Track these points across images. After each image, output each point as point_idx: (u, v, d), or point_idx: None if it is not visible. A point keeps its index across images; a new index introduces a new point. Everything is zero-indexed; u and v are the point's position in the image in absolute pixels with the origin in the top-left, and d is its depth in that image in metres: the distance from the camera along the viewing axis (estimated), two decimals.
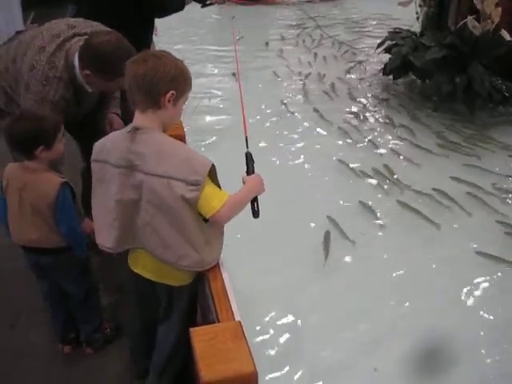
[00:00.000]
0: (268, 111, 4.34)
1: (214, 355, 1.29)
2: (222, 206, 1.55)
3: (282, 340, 2.14)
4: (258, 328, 2.17)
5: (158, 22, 3.37)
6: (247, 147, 1.78)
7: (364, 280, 2.45)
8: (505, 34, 3.92)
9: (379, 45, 4.98)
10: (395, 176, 3.31)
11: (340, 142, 3.81)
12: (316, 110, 4.30)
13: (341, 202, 3.07)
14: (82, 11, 2.76)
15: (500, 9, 3.90)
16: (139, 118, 1.58)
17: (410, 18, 5.04)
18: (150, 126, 1.57)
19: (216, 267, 1.68)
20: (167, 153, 1.55)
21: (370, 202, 3.03)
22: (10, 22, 6.15)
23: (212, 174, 1.56)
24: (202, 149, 3.55)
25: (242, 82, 2.24)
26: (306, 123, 4.12)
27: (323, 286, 2.41)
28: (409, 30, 4.87)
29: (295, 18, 7.79)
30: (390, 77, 4.80)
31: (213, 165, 1.55)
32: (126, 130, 1.59)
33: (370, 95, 4.71)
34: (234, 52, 2.78)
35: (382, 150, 3.65)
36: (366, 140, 3.81)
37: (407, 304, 2.33)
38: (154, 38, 3.62)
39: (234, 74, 4.93)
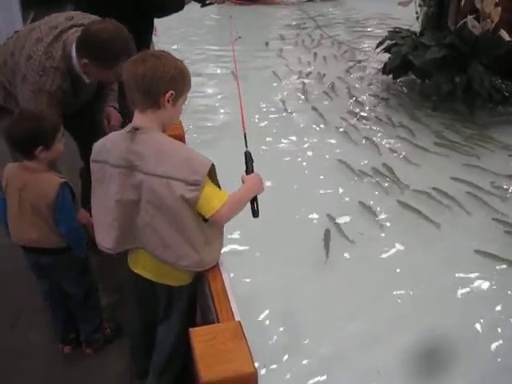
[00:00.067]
0: (267, 110, 4.34)
1: (213, 355, 1.29)
2: (221, 206, 1.54)
3: (280, 338, 2.14)
4: (257, 326, 2.17)
5: (157, 21, 3.37)
6: (246, 146, 1.78)
7: (364, 279, 2.45)
8: (504, 34, 3.92)
9: (379, 44, 4.98)
10: (395, 175, 3.31)
11: (339, 142, 3.81)
12: (315, 110, 4.30)
13: (340, 202, 3.07)
14: (80, 9, 2.76)
15: (499, 8, 3.90)
16: (138, 118, 1.58)
17: (410, 18, 5.03)
18: (149, 126, 1.57)
19: (216, 267, 1.68)
20: (167, 153, 1.55)
21: (369, 202, 3.03)
22: (10, 22, 6.14)
23: (212, 174, 1.56)
24: (201, 149, 3.54)
25: (241, 82, 2.24)
26: (305, 123, 4.12)
27: (323, 285, 2.41)
28: (408, 30, 4.86)
29: (295, 17, 7.79)
30: (390, 76, 4.80)
31: (212, 164, 1.55)
32: (126, 130, 1.59)
33: (369, 95, 4.71)
34: (232, 51, 2.78)
35: (382, 150, 3.65)
36: (366, 139, 3.81)
37: (406, 303, 2.33)
38: (154, 37, 3.62)
39: (233, 74, 4.93)
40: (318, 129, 4.02)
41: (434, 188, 3.15)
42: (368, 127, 4.04)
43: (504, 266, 2.55)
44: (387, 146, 3.74)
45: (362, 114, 4.28)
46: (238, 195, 1.63)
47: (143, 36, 3.08)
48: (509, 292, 2.40)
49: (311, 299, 2.33)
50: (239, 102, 1.99)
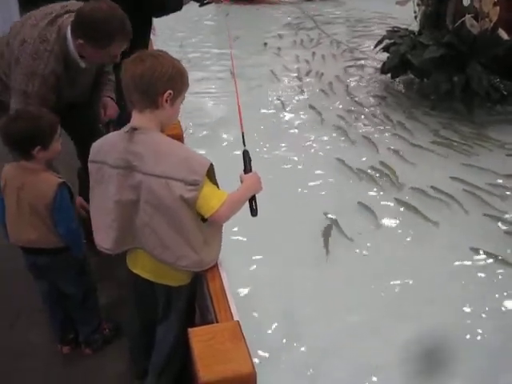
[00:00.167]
0: (265, 109, 4.34)
1: (212, 356, 1.29)
2: (220, 206, 1.54)
3: (279, 336, 2.15)
4: (255, 324, 2.17)
5: (155, 21, 3.37)
6: (244, 145, 1.78)
7: (362, 278, 2.45)
8: (502, 33, 3.93)
9: (377, 43, 4.98)
10: (393, 174, 3.31)
11: (337, 141, 3.82)
12: (313, 108, 4.31)
13: (338, 200, 3.08)
14: None
15: (498, 8, 3.90)
16: (137, 118, 1.58)
17: (408, 17, 5.03)
18: (147, 126, 1.57)
19: (214, 267, 1.68)
20: (165, 153, 1.55)
21: (367, 200, 3.04)
22: (8, 22, 6.13)
23: (210, 174, 1.56)
24: (198, 147, 3.54)
25: (239, 81, 2.24)
26: (303, 121, 4.13)
27: (322, 284, 2.42)
28: (407, 29, 4.87)
29: (293, 17, 7.80)
30: (388, 75, 4.80)
31: (211, 164, 1.55)
32: (124, 130, 1.59)
33: (367, 94, 4.72)
34: (230, 50, 2.78)
35: (380, 149, 3.66)
36: (364, 138, 3.81)
37: (405, 301, 2.33)
38: (152, 37, 3.62)
39: (231, 72, 4.93)
40: (315, 127, 4.02)
41: (431, 186, 3.15)
42: (366, 126, 4.04)
43: (503, 265, 2.55)
44: (385, 144, 3.74)
45: (360, 112, 4.28)
46: (236, 195, 1.63)
47: (142, 36, 3.08)
48: (507, 291, 2.40)
49: (310, 297, 2.33)
50: (237, 101, 1.99)
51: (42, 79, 2.07)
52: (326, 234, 2.73)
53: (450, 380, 1.98)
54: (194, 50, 6.04)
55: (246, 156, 1.75)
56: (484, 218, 2.90)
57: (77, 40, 2.07)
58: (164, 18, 3.28)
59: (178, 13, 3.26)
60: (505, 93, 4.06)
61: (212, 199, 1.54)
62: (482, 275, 2.50)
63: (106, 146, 1.63)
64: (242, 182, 1.69)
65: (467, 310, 2.31)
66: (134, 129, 1.56)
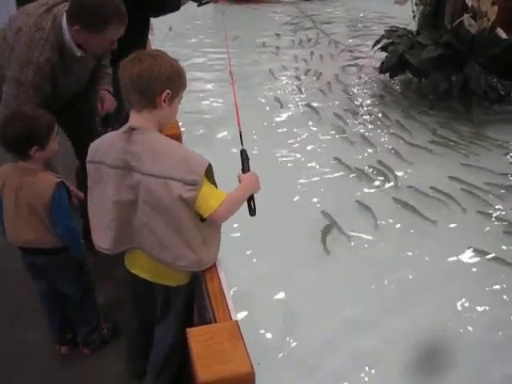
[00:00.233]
0: (263, 109, 4.34)
1: (210, 355, 1.29)
2: (219, 205, 1.54)
3: (278, 336, 2.14)
4: (254, 324, 2.17)
5: (153, 21, 3.37)
6: (242, 144, 1.78)
7: (361, 277, 2.45)
8: (500, 32, 3.93)
9: (376, 43, 4.99)
10: (391, 173, 3.32)
11: (335, 140, 3.81)
12: (312, 108, 4.31)
13: (337, 199, 3.08)
14: None
15: (496, 7, 3.91)
16: (135, 118, 1.58)
17: (407, 17, 5.04)
18: (145, 125, 1.57)
19: (213, 267, 1.68)
20: (164, 153, 1.54)
21: (365, 199, 3.04)
22: (6, 18, 6.12)
23: (209, 173, 1.56)
24: (196, 147, 3.54)
25: (237, 80, 2.24)
26: (301, 121, 4.13)
27: (321, 282, 2.42)
28: (405, 29, 4.88)
29: (292, 16, 7.79)
30: (387, 75, 4.81)
31: (209, 164, 1.55)
32: (122, 130, 1.59)
33: (366, 93, 4.72)
34: (227, 50, 2.78)
35: (378, 148, 3.66)
36: (362, 138, 3.81)
37: (404, 300, 2.33)
38: (150, 36, 3.62)
39: (229, 71, 4.93)
40: (313, 127, 4.02)
41: (429, 186, 3.15)
42: (364, 125, 4.04)
43: (501, 265, 2.55)
44: (383, 143, 3.74)
45: (359, 112, 4.28)
46: (235, 194, 1.63)
47: (141, 35, 3.08)
48: (506, 290, 2.41)
49: (310, 296, 2.33)
50: (234, 100, 1.99)
51: (36, 68, 2.04)
52: (325, 232, 2.74)
53: (448, 374, 1.98)
54: (190, 48, 6.03)
55: (244, 155, 1.75)
56: (482, 217, 2.91)
57: (72, 26, 2.05)
58: (161, 18, 3.27)
59: (176, 12, 3.27)
60: (502, 92, 4.07)
61: (211, 199, 1.54)
62: (480, 274, 2.50)
63: (104, 146, 1.63)
64: (240, 181, 1.69)
65: (465, 306, 2.31)
66: (132, 129, 1.56)
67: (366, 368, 2.00)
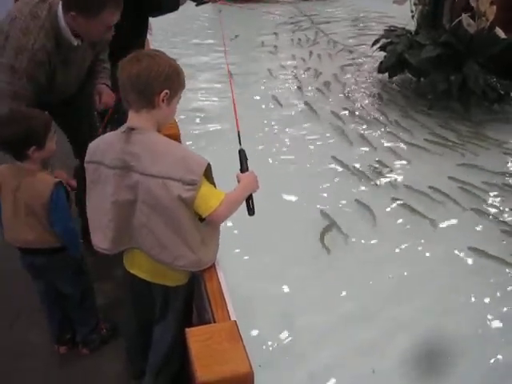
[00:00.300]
0: (262, 108, 4.34)
1: (209, 356, 1.29)
2: (219, 205, 1.54)
3: (278, 335, 2.15)
4: (253, 324, 2.17)
5: (152, 20, 3.37)
6: (240, 144, 1.78)
7: (361, 276, 2.46)
8: (499, 31, 3.93)
9: (374, 43, 4.99)
10: (389, 172, 3.32)
11: (334, 139, 3.82)
12: (310, 108, 4.31)
13: (335, 198, 3.08)
14: None
15: (495, 7, 3.92)
16: (133, 118, 1.57)
17: (406, 17, 5.04)
18: (144, 125, 1.56)
19: (211, 267, 1.67)
20: (162, 153, 1.54)
21: (364, 198, 3.04)
22: (3, 13, 6.11)
23: (207, 173, 1.56)
24: (195, 147, 3.55)
25: (235, 79, 2.24)
26: (299, 119, 4.13)
27: (321, 282, 2.42)
28: (404, 28, 4.88)
29: (291, 16, 7.80)
30: (386, 75, 4.81)
31: (208, 164, 1.54)
32: (121, 130, 1.58)
33: (364, 93, 4.72)
34: (224, 48, 2.77)
35: (377, 147, 3.66)
36: (361, 137, 3.81)
37: (404, 301, 2.33)
38: (149, 36, 3.61)
39: (227, 71, 4.92)
40: (312, 126, 4.02)
41: (428, 185, 3.16)
42: (363, 124, 4.05)
43: (500, 264, 2.55)
44: (382, 143, 3.74)
45: (357, 111, 4.29)
46: (234, 194, 1.63)
47: (139, 35, 3.08)
48: (505, 289, 2.41)
49: (309, 296, 2.33)
50: (232, 99, 1.99)
51: (30, 54, 2.03)
52: (324, 232, 2.74)
53: (447, 371, 1.99)
54: (189, 48, 6.02)
55: (242, 155, 1.75)
56: (480, 216, 2.91)
57: (68, 13, 2.03)
58: (160, 18, 3.27)
59: (175, 12, 3.26)
60: (501, 92, 4.07)
61: (210, 199, 1.54)
62: (479, 273, 2.50)
63: (103, 146, 1.63)
64: (238, 181, 1.69)
65: (462, 303, 2.32)
66: (131, 129, 1.55)
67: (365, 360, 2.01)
